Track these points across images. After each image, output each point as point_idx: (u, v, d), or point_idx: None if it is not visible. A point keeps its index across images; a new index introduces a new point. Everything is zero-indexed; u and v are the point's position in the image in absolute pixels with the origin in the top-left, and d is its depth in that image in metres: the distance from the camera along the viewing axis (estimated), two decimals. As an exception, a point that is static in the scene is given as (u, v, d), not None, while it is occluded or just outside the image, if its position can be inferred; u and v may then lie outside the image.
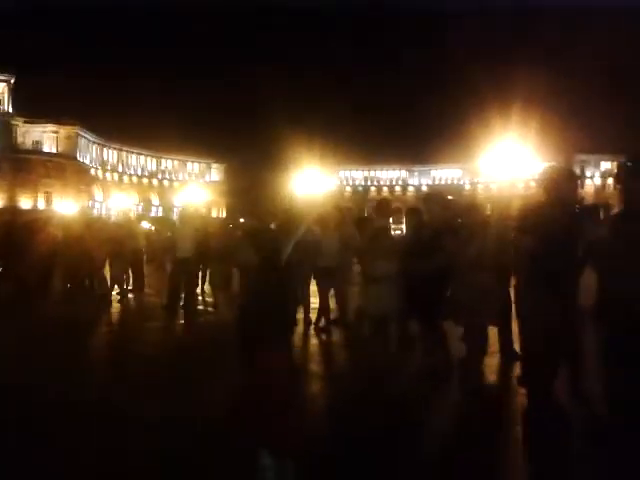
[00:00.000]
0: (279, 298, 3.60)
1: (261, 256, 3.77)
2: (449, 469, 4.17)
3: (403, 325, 6.74)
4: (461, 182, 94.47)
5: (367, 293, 6.99)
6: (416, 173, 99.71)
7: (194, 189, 76.56)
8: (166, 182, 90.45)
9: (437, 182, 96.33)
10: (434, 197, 7.21)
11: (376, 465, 4.14)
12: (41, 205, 68.95)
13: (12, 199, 67.50)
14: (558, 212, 4.82)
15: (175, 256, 10.90)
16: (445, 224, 6.09)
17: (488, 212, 7.34)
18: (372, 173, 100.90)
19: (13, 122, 71.39)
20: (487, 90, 73.22)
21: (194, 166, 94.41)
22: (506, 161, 48.86)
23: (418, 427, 4.97)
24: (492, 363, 6.50)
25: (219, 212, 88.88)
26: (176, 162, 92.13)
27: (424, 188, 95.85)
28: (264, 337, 3.44)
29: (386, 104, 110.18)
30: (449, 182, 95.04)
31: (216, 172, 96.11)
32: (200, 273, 12.62)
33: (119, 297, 12.40)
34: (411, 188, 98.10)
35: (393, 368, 6.55)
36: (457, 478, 4.05)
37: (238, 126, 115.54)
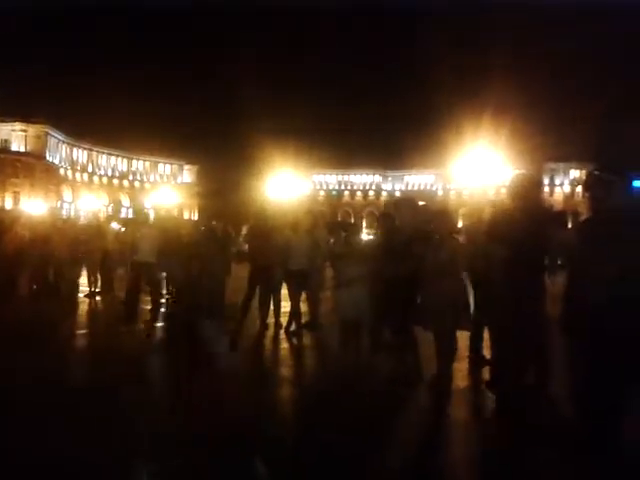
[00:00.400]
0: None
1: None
2: (418, 474, 4.19)
3: (374, 329, 6.70)
4: (434, 188, 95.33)
5: (338, 297, 7.00)
6: (390, 178, 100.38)
7: (166, 191, 75.93)
8: (137, 183, 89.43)
9: (410, 187, 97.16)
10: (405, 202, 7.28)
11: (345, 470, 4.13)
12: (9, 205, 67.53)
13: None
14: (525, 219, 4.89)
15: (134, 259, 10.39)
16: (416, 229, 6.11)
17: (460, 218, 7.44)
18: (346, 177, 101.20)
19: (-20, 120, 69.88)
20: (460, 97, 74.34)
21: (166, 167, 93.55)
22: (478, 168, 49.65)
23: (387, 432, 4.96)
24: (462, 368, 6.54)
25: (191, 214, 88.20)
26: (147, 163, 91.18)
27: (397, 193, 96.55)
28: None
29: (361, 109, 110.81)
30: (422, 187, 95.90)
31: (188, 174, 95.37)
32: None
33: (86, 299, 12.15)
34: (384, 193, 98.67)
35: (364, 373, 6.56)
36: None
37: (211, 127, 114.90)
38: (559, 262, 6.62)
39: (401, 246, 6.09)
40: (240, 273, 10.09)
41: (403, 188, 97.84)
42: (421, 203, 8.43)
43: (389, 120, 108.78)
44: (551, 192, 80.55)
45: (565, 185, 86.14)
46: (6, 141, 72.42)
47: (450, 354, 5.35)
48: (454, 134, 55.01)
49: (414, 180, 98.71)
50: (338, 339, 7.09)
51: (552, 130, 66.20)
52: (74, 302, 11.64)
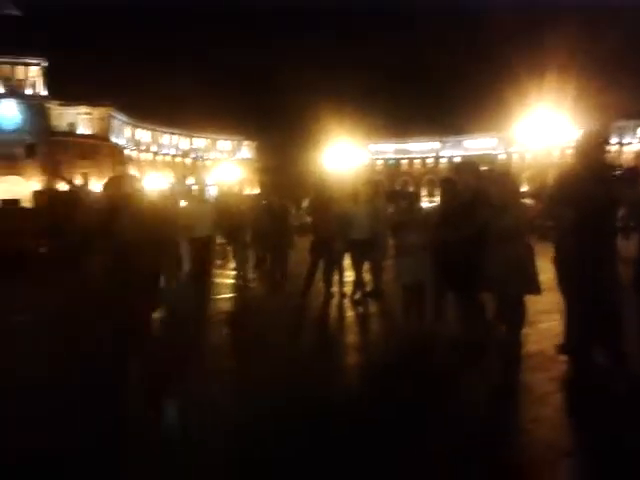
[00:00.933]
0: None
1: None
2: (488, 441, 4.12)
3: (438, 295, 6.75)
4: (495, 152, 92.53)
5: (400, 264, 7.12)
6: (449, 144, 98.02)
7: (226, 167, 77.10)
8: (199, 160, 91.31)
9: (470, 152, 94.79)
10: (467, 166, 7.20)
11: (412, 436, 4.16)
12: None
13: (50, 181, 69.11)
14: (592, 179, 4.75)
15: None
16: (478, 194, 6.02)
17: (524, 181, 7.29)
18: (403, 146, 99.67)
19: (48, 105, 72.65)
20: (522, 56, 71.27)
21: (225, 144, 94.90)
22: (541, 129, 47.67)
23: (454, 399, 4.93)
24: (530, 332, 6.32)
25: (252, 189, 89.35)
26: (207, 140, 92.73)
27: (457, 159, 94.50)
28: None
29: (417, 74, 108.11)
30: (483, 152, 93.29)
31: (247, 149, 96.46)
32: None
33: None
34: (444, 160, 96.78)
35: (428, 339, 6.61)
36: (494, 448, 4.01)
37: (268, 102, 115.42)
38: (631, 224, 6.41)
39: (463, 210, 6.04)
40: (303, 245, 10.24)
41: (463, 153, 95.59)
42: (482, 167, 8.29)
43: (447, 84, 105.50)
44: (620, 150, 76.87)
45: (635, 143, 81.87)
46: (72, 125, 75.22)
47: (518, 321, 5.25)
48: (516, 94, 52.92)
49: (474, 145, 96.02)
50: (401, 306, 7.22)
51: (621, 86, 62.69)
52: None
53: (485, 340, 6.02)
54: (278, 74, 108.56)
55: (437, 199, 8.83)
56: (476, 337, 6.03)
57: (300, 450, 3.95)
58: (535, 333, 6.55)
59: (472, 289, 5.96)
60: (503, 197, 5.41)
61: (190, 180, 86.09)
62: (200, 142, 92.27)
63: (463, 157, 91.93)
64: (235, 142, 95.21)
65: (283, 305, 9.45)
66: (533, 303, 5.58)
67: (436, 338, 6.59)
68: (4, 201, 37.74)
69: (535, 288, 5.25)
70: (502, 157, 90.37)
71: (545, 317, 7.03)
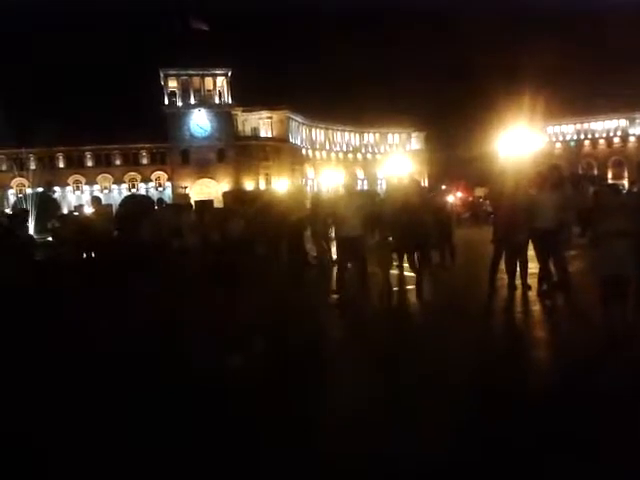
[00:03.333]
0: None
1: None
2: None
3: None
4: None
5: (599, 253, 6.50)
6: (638, 120, 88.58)
7: (397, 160, 77.87)
8: (369, 155, 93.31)
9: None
10: None
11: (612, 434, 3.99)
12: (262, 186, 75.84)
13: (237, 182, 75.56)
14: None
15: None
16: None
17: None
18: (585, 125, 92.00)
19: (233, 112, 79.24)
20: None
21: (394, 137, 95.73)
22: None
23: None
24: None
25: (422, 180, 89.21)
26: (377, 135, 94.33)
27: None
28: None
29: (598, 42, 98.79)
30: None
31: (416, 141, 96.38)
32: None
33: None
34: (632, 138, 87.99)
35: (633, 337, 5.99)
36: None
37: (437, 90, 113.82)
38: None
39: None
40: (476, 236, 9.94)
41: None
42: None
43: (633, 52, 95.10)
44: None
45: None
46: (255, 129, 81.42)
47: None
48: None
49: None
50: (599, 298, 6.48)
51: None
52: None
53: None
54: (447, 59, 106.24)
55: (625, 183, 8.34)
56: None
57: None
58: None
59: None
60: None
61: (360, 175, 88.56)
62: (370, 137, 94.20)
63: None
64: (404, 134, 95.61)
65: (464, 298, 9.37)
66: None
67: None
68: (198, 202, 41.49)
69: None
70: None
71: None
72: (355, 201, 9.83)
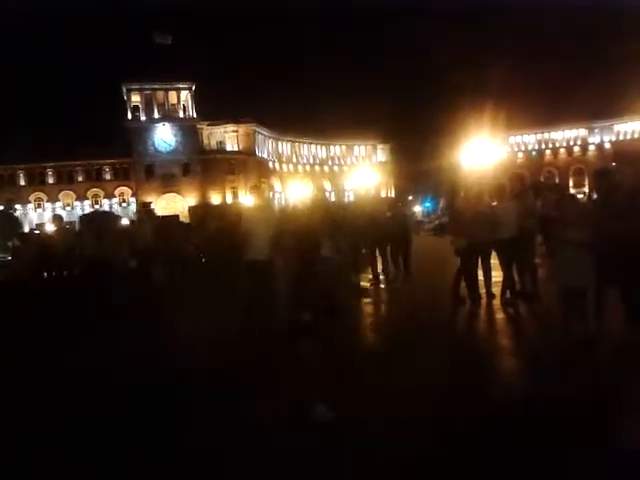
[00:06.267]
0: None
1: None
2: None
3: (599, 296, 6.15)
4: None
5: (557, 263, 6.54)
6: (597, 130, 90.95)
7: (363, 172, 78.33)
8: (336, 168, 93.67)
9: (622, 137, 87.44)
10: (627, 155, 6.76)
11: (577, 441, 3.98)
12: (229, 199, 75.33)
13: (204, 196, 74.94)
14: None
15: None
16: None
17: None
18: (546, 135, 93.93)
19: (199, 126, 78.77)
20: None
21: (360, 149, 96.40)
22: None
23: (623, 410, 4.47)
24: None
25: (388, 192, 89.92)
26: (344, 147, 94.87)
27: (607, 145, 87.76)
28: None
29: (558, 55, 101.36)
30: (636, 136, 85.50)
31: (382, 153, 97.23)
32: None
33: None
34: (592, 147, 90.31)
35: (591, 343, 6.05)
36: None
37: (401, 102, 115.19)
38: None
39: (624, 203, 5.67)
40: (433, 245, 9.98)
41: (614, 139, 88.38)
42: None
43: (594, 63, 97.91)
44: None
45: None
46: (221, 142, 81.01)
47: None
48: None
49: (626, 129, 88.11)
50: (559, 307, 6.58)
51: None
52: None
53: None
54: (417, 74, 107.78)
55: (586, 191, 8.49)
56: None
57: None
58: None
59: None
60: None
61: (327, 187, 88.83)
62: (337, 149, 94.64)
63: (613, 144, 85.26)
64: (370, 146, 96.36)
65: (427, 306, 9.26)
66: None
67: (600, 343, 6.02)
68: (164, 217, 41.09)
69: None
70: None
71: None
72: (266, 218, 8.39)
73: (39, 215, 71.50)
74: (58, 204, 75.05)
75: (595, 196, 6.47)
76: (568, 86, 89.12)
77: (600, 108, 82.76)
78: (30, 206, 75.25)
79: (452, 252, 9.39)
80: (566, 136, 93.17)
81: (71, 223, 35.17)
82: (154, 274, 11.23)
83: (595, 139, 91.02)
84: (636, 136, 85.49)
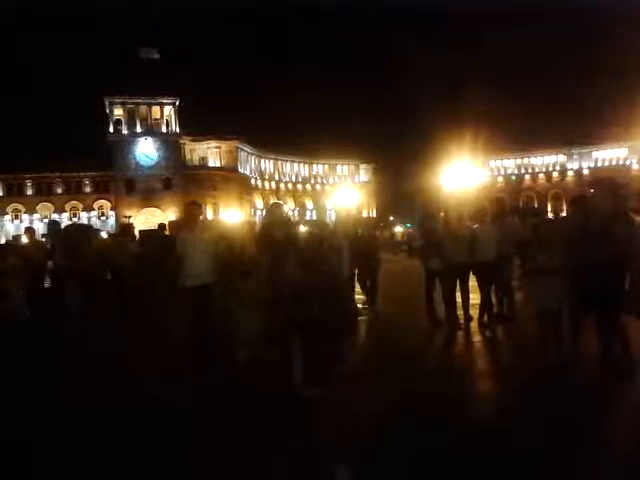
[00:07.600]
0: None
1: None
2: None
3: (575, 319, 6.28)
4: (627, 162, 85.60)
5: (533, 286, 6.68)
6: (575, 156, 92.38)
7: (345, 191, 78.64)
8: (318, 186, 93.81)
9: (600, 164, 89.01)
10: (603, 182, 6.82)
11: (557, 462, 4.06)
12: (210, 216, 74.94)
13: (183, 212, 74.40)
14: None
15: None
16: (616, 210, 5.81)
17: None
18: (526, 160, 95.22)
19: (181, 141, 78.47)
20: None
21: (343, 168, 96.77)
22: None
23: (601, 432, 4.60)
24: None
25: (370, 212, 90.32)
26: (326, 166, 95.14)
27: (585, 171, 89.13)
28: None
29: (537, 83, 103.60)
30: (613, 163, 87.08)
31: (364, 172, 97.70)
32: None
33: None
34: (571, 172, 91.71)
35: (566, 365, 6.18)
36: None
37: (384, 124, 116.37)
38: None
39: (600, 229, 5.76)
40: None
41: (592, 166, 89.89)
42: (619, 181, 7.95)
43: (571, 92, 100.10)
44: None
45: None
46: (203, 159, 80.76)
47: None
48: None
49: (604, 155, 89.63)
50: (536, 329, 6.75)
51: None
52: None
53: (628, 365, 5.73)
54: (396, 95, 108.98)
55: (564, 216, 8.55)
56: (618, 363, 5.74)
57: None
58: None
59: (615, 311, 5.73)
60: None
61: (309, 205, 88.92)
62: (319, 168, 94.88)
63: (591, 170, 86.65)
64: (353, 166, 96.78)
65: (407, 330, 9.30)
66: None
67: (574, 364, 6.17)
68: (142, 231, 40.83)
69: None
70: (635, 168, 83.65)
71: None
72: (208, 237, 7.53)
73: (16, 226, 70.24)
74: (36, 216, 73.91)
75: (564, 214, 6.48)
76: (547, 113, 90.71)
77: (579, 135, 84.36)
78: (7, 217, 74.08)
79: (422, 273, 9.54)
80: (545, 161, 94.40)
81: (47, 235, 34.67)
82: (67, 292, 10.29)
83: (574, 165, 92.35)
84: (614, 163, 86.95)
